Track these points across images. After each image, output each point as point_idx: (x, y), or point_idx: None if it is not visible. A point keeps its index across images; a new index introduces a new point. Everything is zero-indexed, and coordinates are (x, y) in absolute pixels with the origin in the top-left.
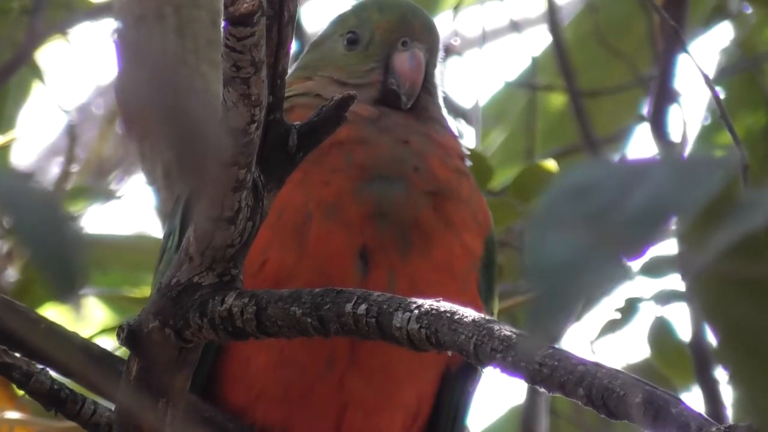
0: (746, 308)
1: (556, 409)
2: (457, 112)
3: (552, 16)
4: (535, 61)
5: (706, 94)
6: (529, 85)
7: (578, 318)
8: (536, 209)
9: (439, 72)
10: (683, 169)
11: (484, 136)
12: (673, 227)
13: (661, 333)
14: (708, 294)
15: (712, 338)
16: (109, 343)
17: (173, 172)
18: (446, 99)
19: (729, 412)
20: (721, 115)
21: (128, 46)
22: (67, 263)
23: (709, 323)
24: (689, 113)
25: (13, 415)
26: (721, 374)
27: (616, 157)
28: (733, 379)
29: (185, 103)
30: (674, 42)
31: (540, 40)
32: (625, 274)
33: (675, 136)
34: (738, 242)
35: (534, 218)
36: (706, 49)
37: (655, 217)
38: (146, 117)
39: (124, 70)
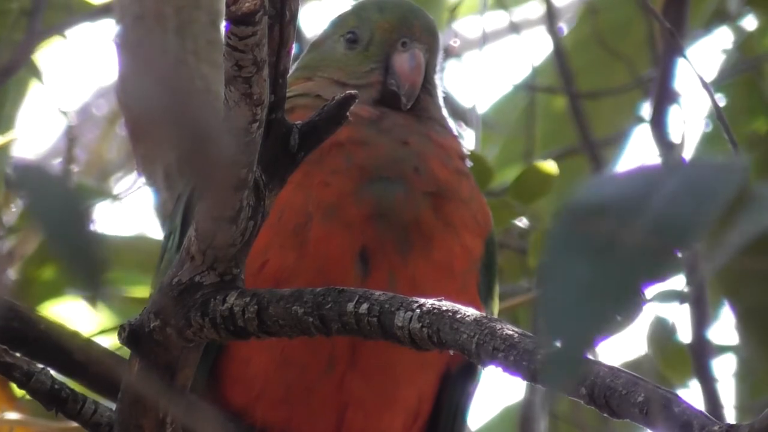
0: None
1: (555, 409)
2: (458, 113)
3: (551, 19)
4: (534, 63)
5: (707, 99)
6: (528, 87)
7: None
8: (548, 236)
9: (439, 72)
10: (693, 178)
11: (487, 139)
12: (689, 247)
13: (661, 333)
14: (728, 288)
15: (711, 338)
16: (109, 342)
17: (174, 173)
18: (448, 100)
19: (728, 412)
20: (717, 116)
21: (132, 51)
22: (89, 254)
23: (734, 313)
24: (690, 116)
25: (12, 415)
26: (720, 374)
27: (617, 163)
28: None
29: (190, 106)
30: (673, 44)
31: (540, 42)
32: (640, 306)
33: (674, 137)
34: (753, 239)
35: (546, 248)
36: (708, 52)
37: (672, 238)
38: (152, 120)
39: (129, 74)
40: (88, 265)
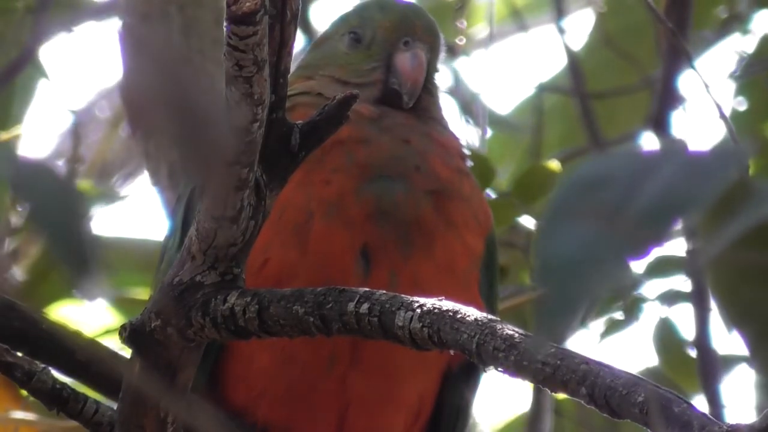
0: (760, 294)
1: (561, 409)
2: (468, 111)
3: (559, 19)
4: (549, 65)
5: (727, 102)
6: (537, 87)
7: (584, 322)
8: (548, 203)
9: (440, 72)
10: (695, 161)
11: (510, 140)
12: (683, 223)
13: (665, 334)
14: (722, 281)
15: (715, 338)
16: (113, 343)
17: (177, 171)
18: (458, 97)
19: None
20: (721, 117)
21: (135, 43)
22: (86, 255)
23: (722, 308)
24: (703, 115)
25: (18, 414)
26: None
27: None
28: (754, 361)
29: (192, 99)
30: (676, 44)
31: (556, 45)
32: (631, 274)
33: (680, 137)
34: (749, 231)
35: (546, 213)
36: (724, 55)
37: (667, 212)
38: (153, 113)
39: (132, 66)
40: (86, 266)
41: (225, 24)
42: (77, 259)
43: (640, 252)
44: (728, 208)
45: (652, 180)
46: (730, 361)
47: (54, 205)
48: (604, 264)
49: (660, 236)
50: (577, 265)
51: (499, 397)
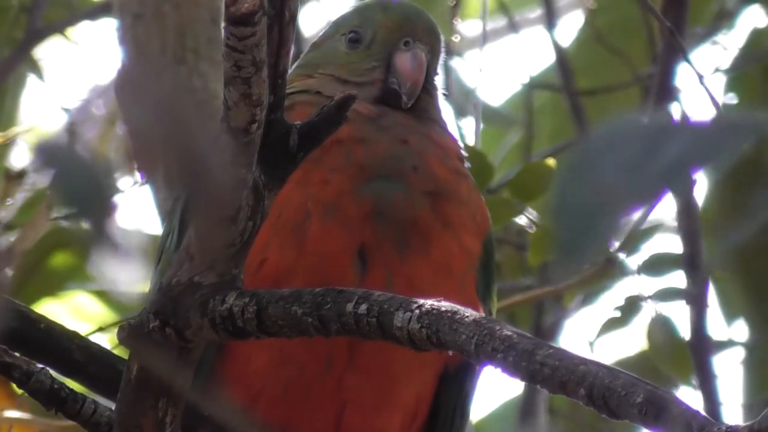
0: None
1: (555, 407)
2: (461, 107)
3: (549, 17)
4: (539, 60)
5: (718, 98)
6: (528, 84)
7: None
8: (571, 155)
9: (440, 74)
10: (713, 128)
11: (500, 134)
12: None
13: (662, 331)
14: (745, 266)
15: (712, 335)
16: (106, 340)
17: (174, 177)
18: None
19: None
20: (716, 109)
21: (132, 85)
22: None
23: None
24: (693, 113)
25: (12, 414)
26: (723, 370)
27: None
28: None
29: (187, 134)
30: (673, 42)
31: (539, 36)
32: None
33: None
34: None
35: (567, 162)
36: (718, 49)
37: (681, 170)
38: (151, 144)
39: (129, 99)
40: (113, 242)
41: (224, 24)
42: (103, 236)
43: (656, 197)
44: (747, 185)
45: (670, 142)
46: (724, 346)
47: (79, 181)
48: (619, 204)
49: (681, 187)
50: (593, 204)
51: (490, 386)
